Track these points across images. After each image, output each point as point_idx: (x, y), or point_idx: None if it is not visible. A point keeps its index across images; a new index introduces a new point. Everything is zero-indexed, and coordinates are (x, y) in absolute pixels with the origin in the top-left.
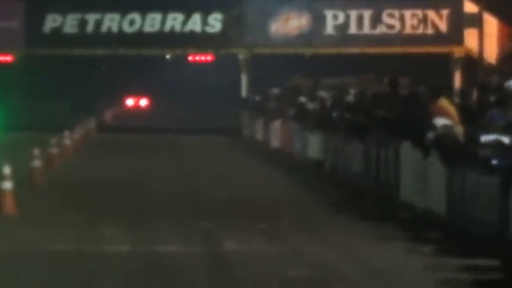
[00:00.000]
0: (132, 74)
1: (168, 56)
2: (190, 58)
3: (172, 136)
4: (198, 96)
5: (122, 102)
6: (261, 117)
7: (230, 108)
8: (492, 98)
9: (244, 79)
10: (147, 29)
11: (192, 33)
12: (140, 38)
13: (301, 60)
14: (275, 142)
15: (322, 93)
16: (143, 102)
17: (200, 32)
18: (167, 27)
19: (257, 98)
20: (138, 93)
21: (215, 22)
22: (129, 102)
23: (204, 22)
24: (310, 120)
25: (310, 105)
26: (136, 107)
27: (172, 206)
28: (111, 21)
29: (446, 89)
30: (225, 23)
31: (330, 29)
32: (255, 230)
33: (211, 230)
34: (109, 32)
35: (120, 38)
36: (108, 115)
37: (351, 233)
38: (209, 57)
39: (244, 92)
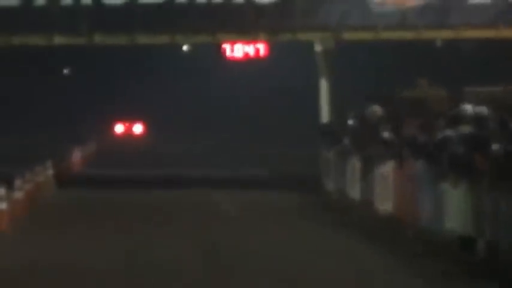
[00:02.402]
0: (119, 80)
1: (184, 48)
2: (226, 50)
3: (188, 192)
4: (237, 116)
5: (105, 131)
6: (356, 158)
7: (298, 139)
8: None
9: (324, 87)
10: None
11: (225, 7)
12: (133, 17)
13: (426, 53)
14: (385, 203)
15: (471, 111)
16: (137, 128)
17: (241, 3)
18: None
19: (349, 123)
20: (130, 115)
21: None
22: (119, 129)
23: None
24: (450, 162)
25: (450, 134)
26: (129, 135)
27: None
28: None
29: None
30: None
31: None
32: None
33: None
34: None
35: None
36: (77, 156)
37: None
38: (260, 47)
39: (324, 111)
